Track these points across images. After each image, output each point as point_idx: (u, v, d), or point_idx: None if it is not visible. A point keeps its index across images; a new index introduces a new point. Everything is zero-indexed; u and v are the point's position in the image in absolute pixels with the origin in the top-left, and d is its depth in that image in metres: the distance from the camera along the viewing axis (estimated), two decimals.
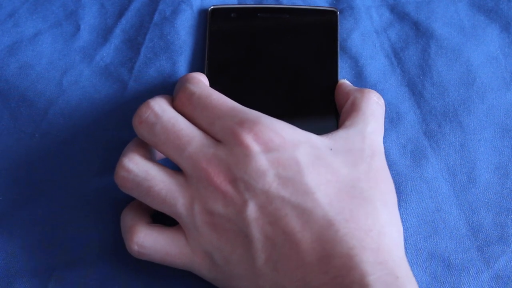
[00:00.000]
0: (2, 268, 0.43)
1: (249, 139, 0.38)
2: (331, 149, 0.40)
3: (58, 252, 0.43)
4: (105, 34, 0.49)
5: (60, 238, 0.43)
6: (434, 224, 0.44)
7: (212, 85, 0.42)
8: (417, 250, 0.43)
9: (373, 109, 0.42)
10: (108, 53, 0.49)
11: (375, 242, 0.37)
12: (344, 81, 0.46)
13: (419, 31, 0.49)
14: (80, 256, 0.43)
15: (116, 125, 0.46)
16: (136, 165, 0.40)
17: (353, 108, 0.43)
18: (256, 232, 0.37)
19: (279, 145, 0.39)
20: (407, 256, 0.42)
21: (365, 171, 0.39)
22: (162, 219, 0.41)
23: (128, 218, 0.41)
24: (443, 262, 0.43)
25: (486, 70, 0.48)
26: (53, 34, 0.49)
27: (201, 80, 0.43)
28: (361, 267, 0.35)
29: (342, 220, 0.37)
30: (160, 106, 0.41)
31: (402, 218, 0.44)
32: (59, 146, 0.46)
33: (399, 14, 0.50)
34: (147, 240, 0.40)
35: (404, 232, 0.43)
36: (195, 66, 0.48)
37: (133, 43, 0.49)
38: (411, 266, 0.42)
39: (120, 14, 0.50)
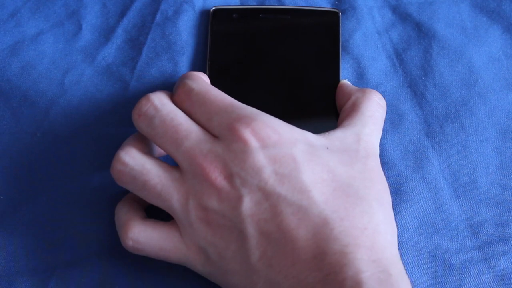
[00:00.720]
0: (3, 267, 0.43)
1: (247, 134, 0.38)
2: (327, 148, 0.40)
3: (59, 251, 0.43)
4: (107, 34, 0.49)
5: (61, 237, 0.44)
6: (435, 225, 0.44)
7: (214, 85, 0.42)
8: (418, 251, 0.43)
9: (373, 111, 0.42)
10: (110, 52, 0.49)
11: (370, 240, 0.36)
12: (345, 82, 0.46)
13: (421, 32, 0.49)
14: (81, 255, 0.43)
15: (117, 125, 0.46)
16: (132, 158, 0.40)
17: (353, 108, 0.43)
18: (251, 228, 0.37)
19: (276, 141, 0.39)
20: (407, 257, 0.43)
21: (360, 171, 0.39)
22: (157, 213, 0.41)
23: (122, 212, 0.41)
24: (444, 263, 0.43)
25: (488, 71, 0.48)
26: (55, 34, 0.49)
27: (200, 77, 0.43)
28: (354, 264, 0.35)
29: (337, 218, 0.37)
30: (160, 100, 0.41)
31: (403, 219, 0.44)
32: (60, 146, 0.46)
33: (401, 15, 0.50)
34: (142, 235, 0.40)
35: (405, 233, 0.43)
36: (197, 66, 0.48)
37: (135, 43, 0.49)
38: (412, 267, 0.42)
39: (122, 13, 0.50)
